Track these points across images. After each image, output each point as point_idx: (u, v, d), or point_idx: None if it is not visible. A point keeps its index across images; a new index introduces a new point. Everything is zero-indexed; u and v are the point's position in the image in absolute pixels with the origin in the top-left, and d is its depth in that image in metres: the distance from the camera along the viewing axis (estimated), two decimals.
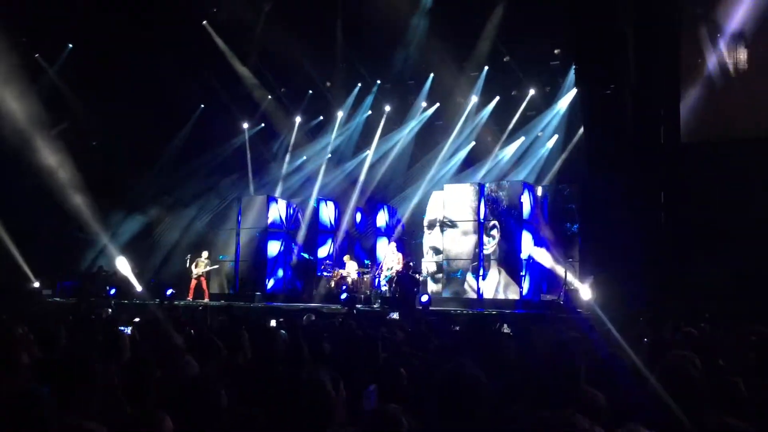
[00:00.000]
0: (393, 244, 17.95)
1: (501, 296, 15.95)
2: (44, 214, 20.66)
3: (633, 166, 14.63)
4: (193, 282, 18.55)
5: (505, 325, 8.50)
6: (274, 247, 19.25)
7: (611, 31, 14.44)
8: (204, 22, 19.77)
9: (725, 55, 14.54)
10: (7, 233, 18.75)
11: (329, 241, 20.09)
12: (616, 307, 12.67)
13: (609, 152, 14.85)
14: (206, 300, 17.96)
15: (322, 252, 19.83)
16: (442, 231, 17.11)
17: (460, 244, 16.66)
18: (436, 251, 17.29)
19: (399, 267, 16.64)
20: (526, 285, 16.06)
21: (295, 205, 20.20)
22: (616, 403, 3.58)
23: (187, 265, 18.90)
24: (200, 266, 18.59)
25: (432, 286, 16.96)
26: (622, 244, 14.41)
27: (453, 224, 16.84)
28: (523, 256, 16.09)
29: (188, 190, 21.17)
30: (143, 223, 21.32)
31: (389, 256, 17.25)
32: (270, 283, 19.01)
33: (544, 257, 16.75)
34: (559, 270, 16.30)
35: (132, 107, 20.25)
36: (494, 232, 16.43)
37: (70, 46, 20.58)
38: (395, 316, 11.24)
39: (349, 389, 3.73)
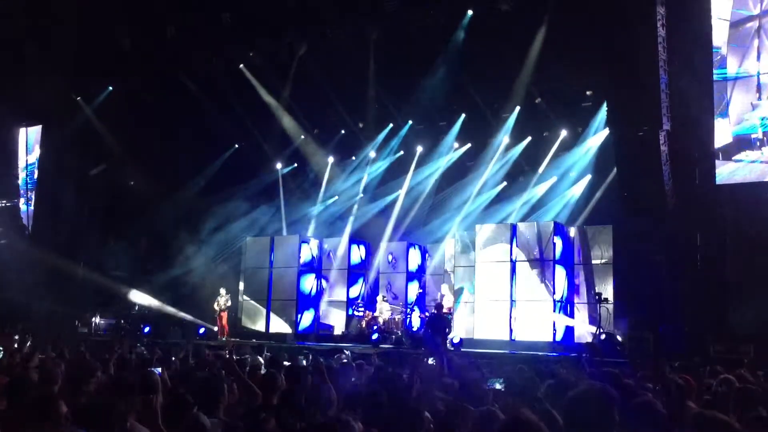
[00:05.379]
0: (445, 285, 17.74)
1: (526, 334, 15.80)
2: (80, 254, 21.06)
3: (667, 207, 14.47)
4: (218, 320, 18.70)
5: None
6: (305, 287, 19.30)
7: (643, 73, 14.42)
8: (241, 66, 20.25)
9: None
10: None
11: (361, 281, 20.09)
12: (651, 351, 12.45)
13: (642, 194, 14.72)
14: (226, 337, 18.02)
15: (354, 292, 19.82)
16: (473, 270, 17.04)
17: (491, 283, 16.57)
18: (467, 291, 17.20)
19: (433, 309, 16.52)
20: (561, 328, 15.85)
21: (326, 245, 20.28)
22: None
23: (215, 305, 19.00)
24: (220, 303, 18.75)
25: (462, 326, 16.83)
26: (658, 286, 14.20)
27: (485, 264, 16.79)
28: (556, 297, 15.93)
29: (223, 228, 21.36)
30: (176, 262, 21.52)
31: (447, 296, 17.09)
32: (301, 323, 18.99)
33: (577, 299, 16.58)
34: (593, 312, 16.09)
35: (169, 149, 20.72)
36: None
37: (110, 88, 21.16)
38: (432, 361, 11.19)
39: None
